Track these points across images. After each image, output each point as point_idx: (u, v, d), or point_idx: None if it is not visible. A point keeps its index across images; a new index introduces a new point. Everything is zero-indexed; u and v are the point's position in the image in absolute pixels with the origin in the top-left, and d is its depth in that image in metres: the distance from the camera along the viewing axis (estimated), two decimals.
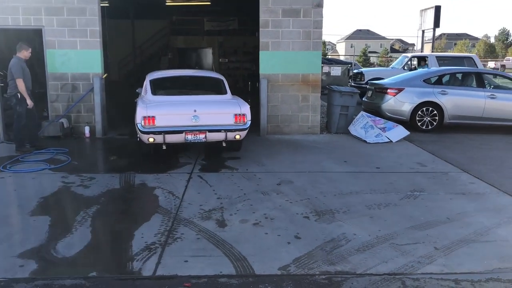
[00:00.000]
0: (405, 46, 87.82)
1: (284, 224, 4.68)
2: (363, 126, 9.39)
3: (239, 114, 6.88)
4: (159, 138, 6.61)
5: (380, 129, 9.19)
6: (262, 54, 9.35)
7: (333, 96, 9.73)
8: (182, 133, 6.64)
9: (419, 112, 10.35)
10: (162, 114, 6.64)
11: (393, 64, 18.63)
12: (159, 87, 7.67)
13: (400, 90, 10.52)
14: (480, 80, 10.70)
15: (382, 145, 8.68)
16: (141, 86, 8.09)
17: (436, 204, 5.35)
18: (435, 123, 10.36)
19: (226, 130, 6.81)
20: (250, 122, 7.00)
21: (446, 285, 3.50)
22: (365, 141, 8.89)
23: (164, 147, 6.75)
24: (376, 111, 10.59)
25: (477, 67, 14.72)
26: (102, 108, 9.26)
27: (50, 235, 4.38)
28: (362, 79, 16.55)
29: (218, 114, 6.92)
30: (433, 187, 6.01)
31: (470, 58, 16.67)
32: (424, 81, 10.63)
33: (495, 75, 11.71)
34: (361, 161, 7.41)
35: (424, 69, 11.61)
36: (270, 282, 3.51)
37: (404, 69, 16.68)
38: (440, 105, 10.30)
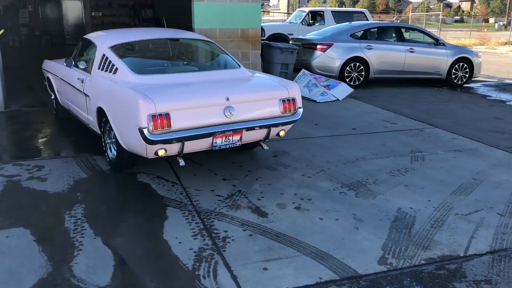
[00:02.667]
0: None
1: (327, 204, 4.06)
2: (306, 84, 8.96)
3: (288, 100, 4.53)
4: (173, 149, 4.05)
5: (324, 87, 8.87)
6: (196, 6, 8.22)
7: (273, 53, 9.09)
8: (209, 136, 4.10)
9: (347, 68, 10.26)
10: (180, 107, 3.98)
11: (290, 18, 18.44)
12: (138, 61, 5.04)
13: (329, 45, 10.27)
14: (400, 34, 10.94)
15: (332, 104, 8.39)
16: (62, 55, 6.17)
17: (448, 164, 5.18)
18: (361, 79, 10.38)
19: (270, 126, 4.45)
20: (302, 110, 4.72)
21: None
22: (314, 101, 8.49)
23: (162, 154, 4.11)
24: (305, 67, 10.23)
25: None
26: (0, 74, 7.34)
27: (51, 255, 3.16)
28: (263, 35, 16.05)
29: (260, 101, 4.42)
30: (425, 146, 5.87)
31: (362, 13, 17.22)
32: (350, 36, 10.50)
33: (412, 30, 12.10)
34: (329, 123, 7.00)
35: (348, 24, 11.49)
36: (388, 281, 2.91)
37: (302, 24, 16.61)
38: (367, 60, 10.32)
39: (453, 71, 11.01)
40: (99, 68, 4.84)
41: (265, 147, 4.74)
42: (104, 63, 4.79)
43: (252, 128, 4.32)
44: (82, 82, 5.06)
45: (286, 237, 3.48)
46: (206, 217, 3.76)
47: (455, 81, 11.09)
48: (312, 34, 11.52)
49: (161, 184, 4.46)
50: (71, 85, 5.45)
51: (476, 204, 4.10)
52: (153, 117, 3.85)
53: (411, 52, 10.66)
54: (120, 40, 5.15)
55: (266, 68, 9.45)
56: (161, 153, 4.02)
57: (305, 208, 3.97)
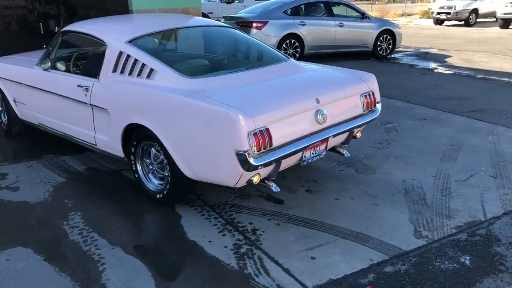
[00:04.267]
0: None
1: (335, 184, 4.04)
2: None
3: (368, 94, 3.83)
4: (266, 172, 3.21)
5: None
6: None
7: None
8: (300, 151, 3.26)
9: (283, 45, 10.28)
10: (277, 118, 3.07)
11: None
12: (176, 59, 4.20)
13: (264, 23, 10.18)
14: (329, 9, 11.13)
15: None
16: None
17: (422, 133, 5.42)
18: (297, 55, 10.46)
19: (354, 127, 3.70)
20: (380, 105, 4.01)
21: None
22: None
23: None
24: None
25: None
26: None
27: (73, 274, 2.79)
28: None
29: (345, 99, 3.64)
30: (391, 117, 6.07)
31: None
32: (284, 12, 10.49)
33: (339, 4, 12.34)
34: None
35: (279, 0, 11.41)
36: (435, 254, 2.96)
37: (221, 2, 16.31)
38: (301, 37, 10.41)
39: (378, 43, 11.48)
40: (115, 71, 3.65)
41: (346, 154, 3.99)
42: (125, 63, 3.61)
43: (336, 134, 3.51)
44: (86, 90, 3.79)
45: (315, 222, 3.39)
46: (222, 211, 3.55)
47: (381, 52, 11.59)
48: (243, 12, 11.32)
49: None
50: (56, 94, 4.14)
51: (467, 169, 4.32)
52: (255, 135, 2.90)
53: (341, 26, 10.92)
54: (137, 32, 3.88)
55: None
56: (255, 179, 3.09)
57: (316, 190, 3.90)
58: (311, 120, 3.30)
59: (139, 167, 3.66)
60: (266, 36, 10.04)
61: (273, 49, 4.32)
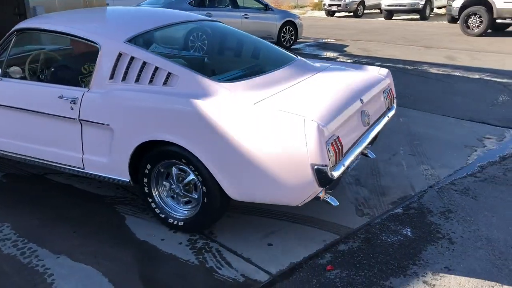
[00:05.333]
0: None
1: None
2: None
3: (388, 90, 3.65)
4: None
5: None
6: None
7: None
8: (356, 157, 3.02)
9: (190, 38, 10.17)
10: (340, 124, 2.74)
11: None
12: (193, 60, 3.67)
13: None
14: (233, 1, 11.20)
15: None
16: None
17: None
18: (205, 48, 10.41)
19: (383, 126, 3.42)
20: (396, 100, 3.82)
21: None
22: None
23: None
24: None
25: None
26: None
27: None
28: None
29: (377, 97, 3.39)
30: None
31: None
32: (189, 3, 10.36)
33: None
34: None
35: None
36: (379, 229, 3.18)
37: None
38: None
39: (282, 34, 11.82)
40: (112, 78, 3.03)
41: (372, 155, 3.81)
42: (128, 68, 3.01)
43: (376, 134, 3.23)
44: (73, 103, 3.08)
45: (264, 210, 3.44)
46: None
47: (284, 43, 11.94)
48: (145, 3, 10.96)
49: (83, 181, 3.89)
50: (20, 108, 3.34)
51: (389, 149, 4.65)
52: (331, 145, 2.56)
53: (246, 18, 11.07)
54: (134, 28, 3.24)
55: None
56: (322, 195, 2.73)
57: None
58: (358, 123, 3.02)
59: (155, 192, 3.10)
60: None
61: (275, 46, 3.90)
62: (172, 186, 3.05)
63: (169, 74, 2.91)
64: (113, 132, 2.98)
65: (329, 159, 2.50)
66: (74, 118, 3.09)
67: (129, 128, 2.92)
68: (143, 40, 3.32)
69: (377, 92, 3.37)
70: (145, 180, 3.05)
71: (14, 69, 3.44)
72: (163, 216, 3.10)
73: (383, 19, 19.80)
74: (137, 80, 2.98)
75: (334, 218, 3.31)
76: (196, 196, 2.98)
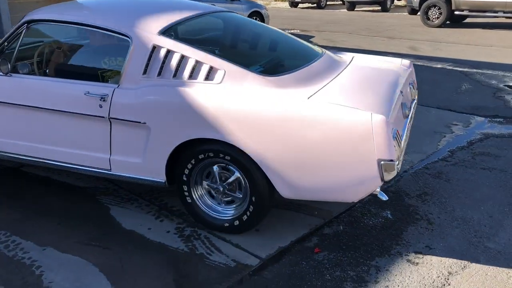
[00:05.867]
0: None
1: None
2: None
3: (413, 81, 3.65)
4: None
5: None
6: None
7: None
8: None
9: None
10: (395, 116, 2.71)
11: None
12: (232, 53, 3.39)
13: None
14: None
15: None
16: None
17: None
18: None
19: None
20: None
21: None
22: None
23: None
24: None
25: None
26: None
27: (8, 282, 2.51)
28: None
29: (408, 88, 3.37)
30: None
31: None
32: None
33: None
34: None
35: None
36: (360, 211, 3.30)
37: None
38: None
39: None
40: (145, 73, 2.85)
41: None
42: (164, 62, 2.83)
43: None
44: (103, 100, 2.87)
45: None
46: (152, 197, 3.47)
47: None
48: None
49: (61, 173, 3.83)
50: (36, 107, 3.07)
51: None
52: (395, 139, 2.50)
53: None
54: (165, 19, 3.05)
55: None
56: (378, 190, 2.61)
57: None
58: (400, 115, 2.88)
59: (195, 193, 2.96)
60: None
61: (297, 38, 3.69)
62: (216, 186, 2.90)
63: (211, 68, 2.75)
64: (150, 130, 2.80)
65: (395, 152, 2.44)
66: (103, 117, 2.88)
67: (169, 126, 2.75)
68: (175, 32, 3.10)
69: (408, 84, 3.33)
70: (184, 179, 2.90)
71: (24, 64, 3.19)
72: (204, 216, 2.97)
73: (345, 10, 20.10)
74: (175, 75, 2.80)
75: (317, 203, 3.39)
76: (241, 196, 2.87)
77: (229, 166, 2.82)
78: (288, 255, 2.79)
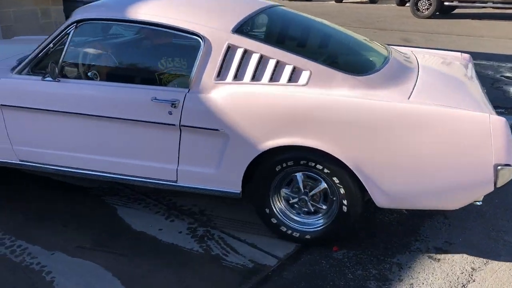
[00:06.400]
0: None
1: None
2: None
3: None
4: None
5: None
6: None
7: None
8: None
9: None
10: None
11: None
12: (310, 50, 3.06)
13: None
14: None
15: None
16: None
17: None
18: None
19: None
20: None
21: None
22: None
23: None
24: None
25: None
26: None
27: None
28: None
29: None
30: None
31: None
32: None
33: None
34: None
35: None
36: (374, 208, 3.23)
37: None
38: None
39: None
40: (219, 75, 2.60)
41: None
42: (240, 63, 2.58)
43: None
44: (173, 107, 2.61)
45: None
46: (160, 197, 3.36)
47: None
48: None
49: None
50: (92, 115, 2.78)
51: None
52: None
53: None
54: (233, 16, 2.79)
55: None
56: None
57: None
58: None
59: (277, 204, 2.76)
60: None
61: (353, 33, 3.42)
62: (301, 196, 2.70)
63: (294, 68, 2.52)
64: (228, 138, 2.57)
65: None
66: (173, 124, 2.64)
67: (250, 133, 2.51)
68: (247, 29, 2.83)
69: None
70: (263, 190, 2.69)
71: (74, 67, 2.93)
72: (284, 229, 2.76)
73: (333, 2, 20.03)
74: (253, 78, 2.55)
75: None
76: (325, 207, 2.68)
77: (314, 175, 2.62)
78: (307, 254, 2.72)
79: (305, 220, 2.75)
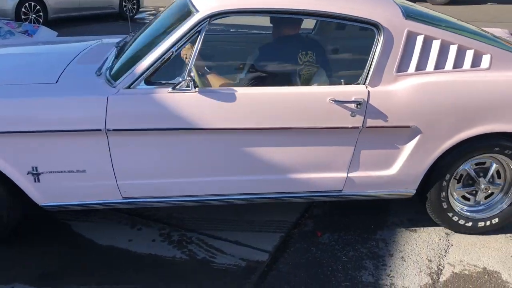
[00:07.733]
0: None
1: None
2: None
3: None
4: None
5: (23, 33, 7.45)
6: None
7: None
8: None
9: (23, 9, 8.95)
10: None
11: None
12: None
13: None
14: None
15: None
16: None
17: None
18: (41, 20, 9.29)
19: None
20: None
21: None
22: None
23: None
24: None
25: None
26: None
27: None
28: None
29: None
30: None
31: None
32: None
33: None
34: None
35: None
36: None
37: None
38: (44, 1, 9.28)
39: (124, 3, 11.08)
40: (399, 67, 2.35)
41: None
42: (422, 52, 2.37)
43: None
44: (357, 106, 2.29)
45: None
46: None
47: (127, 13, 11.20)
48: None
49: None
50: (255, 129, 2.31)
51: None
52: None
53: None
54: (389, 5, 2.49)
55: None
56: None
57: None
58: None
59: (455, 202, 2.68)
60: None
61: None
62: (481, 185, 2.62)
63: (477, 54, 2.42)
64: (416, 134, 2.38)
65: None
66: (356, 127, 2.34)
67: (444, 126, 2.37)
68: (413, 13, 2.54)
69: None
70: (440, 187, 2.56)
71: (213, 74, 2.49)
72: (470, 224, 2.69)
73: None
74: (436, 66, 2.38)
75: None
76: (501, 183, 2.68)
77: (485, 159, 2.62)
78: (294, 243, 2.68)
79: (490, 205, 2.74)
